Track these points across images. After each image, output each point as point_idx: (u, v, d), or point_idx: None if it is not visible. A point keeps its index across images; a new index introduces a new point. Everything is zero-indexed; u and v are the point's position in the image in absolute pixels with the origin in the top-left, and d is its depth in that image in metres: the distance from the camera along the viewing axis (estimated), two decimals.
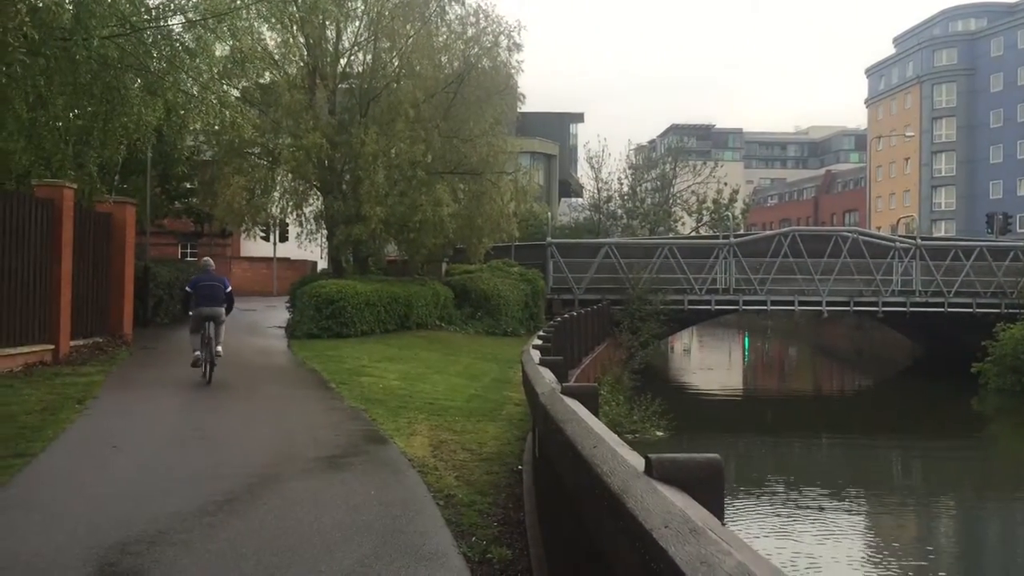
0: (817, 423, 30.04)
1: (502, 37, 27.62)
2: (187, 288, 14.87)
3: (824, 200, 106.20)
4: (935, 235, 67.73)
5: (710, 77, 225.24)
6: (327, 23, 26.56)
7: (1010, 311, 32.95)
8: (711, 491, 2.13)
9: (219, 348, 14.15)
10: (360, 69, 27.77)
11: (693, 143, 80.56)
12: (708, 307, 34.38)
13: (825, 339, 58.48)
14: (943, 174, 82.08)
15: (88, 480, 7.90)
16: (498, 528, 6.78)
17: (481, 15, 27.69)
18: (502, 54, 27.58)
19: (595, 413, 3.87)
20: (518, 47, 27.75)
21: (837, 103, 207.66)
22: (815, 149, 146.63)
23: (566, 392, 4.20)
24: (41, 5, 11.16)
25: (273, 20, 20.79)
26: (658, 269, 33.37)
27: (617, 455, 2.54)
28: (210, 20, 11.83)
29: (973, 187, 79.43)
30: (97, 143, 13.59)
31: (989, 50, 78.76)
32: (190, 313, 14.48)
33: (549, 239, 34.94)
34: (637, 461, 2.41)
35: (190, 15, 12.01)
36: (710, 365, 51.28)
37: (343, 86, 27.93)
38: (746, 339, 67.65)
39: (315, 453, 9.17)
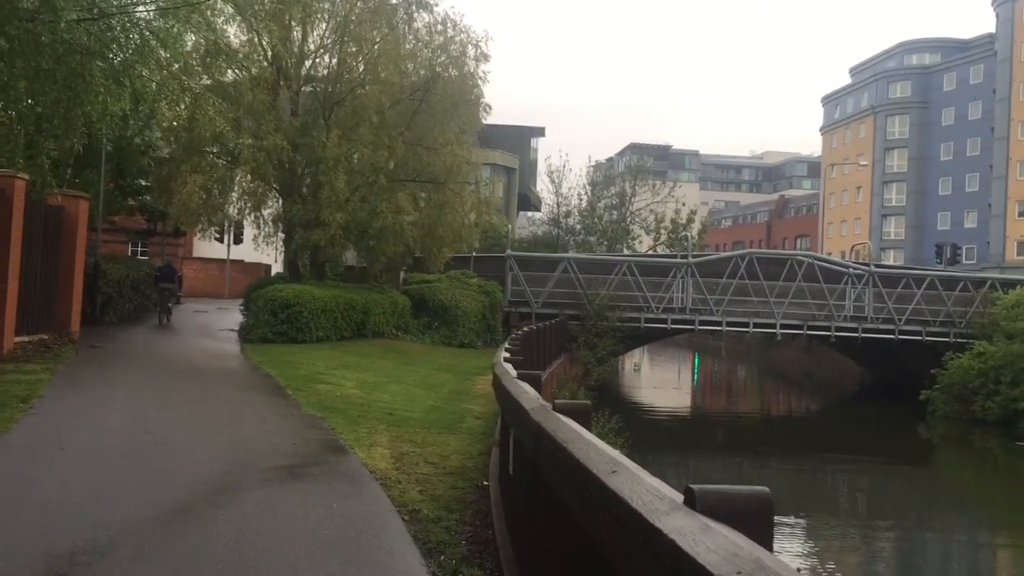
0: (767, 444, 30.21)
1: (470, 47, 27.49)
2: (156, 273, 26.07)
3: (777, 224, 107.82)
4: (884, 263, 68.96)
5: (669, 99, 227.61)
6: (293, 24, 26.20)
7: (959, 340, 33.51)
8: (761, 528, 1.95)
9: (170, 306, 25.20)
10: (325, 72, 27.44)
11: (650, 163, 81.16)
12: (664, 326, 34.43)
13: (775, 361, 59.04)
14: (894, 203, 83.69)
15: (34, 484, 7.50)
16: (467, 547, 6.56)
17: (449, 24, 27.51)
18: (469, 64, 27.42)
19: (588, 430, 3.70)
20: (485, 57, 27.65)
21: (792, 130, 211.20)
22: (769, 174, 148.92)
23: (559, 409, 4.01)
24: None
25: (246, 14, 20.33)
26: (616, 286, 33.36)
27: (643, 482, 2.36)
28: (182, 9, 11.45)
29: (922, 217, 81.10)
30: (59, 131, 13.08)
31: (942, 84, 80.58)
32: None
33: (509, 251, 34.77)
34: (669, 491, 2.23)
35: (162, 3, 11.60)
36: (662, 384, 51.44)
37: (307, 89, 27.57)
38: (696, 359, 68.05)
39: (273, 462, 8.87)
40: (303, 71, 26.95)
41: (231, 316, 26.48)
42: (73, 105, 11.72)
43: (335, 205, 23.75)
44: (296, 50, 26.65)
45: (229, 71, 26.41)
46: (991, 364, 29.74)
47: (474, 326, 29.32)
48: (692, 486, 2.07)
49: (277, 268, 37.18)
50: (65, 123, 12.52)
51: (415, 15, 27.72)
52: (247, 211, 27.48)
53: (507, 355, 9.51)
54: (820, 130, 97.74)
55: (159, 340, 21.30)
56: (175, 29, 11.80)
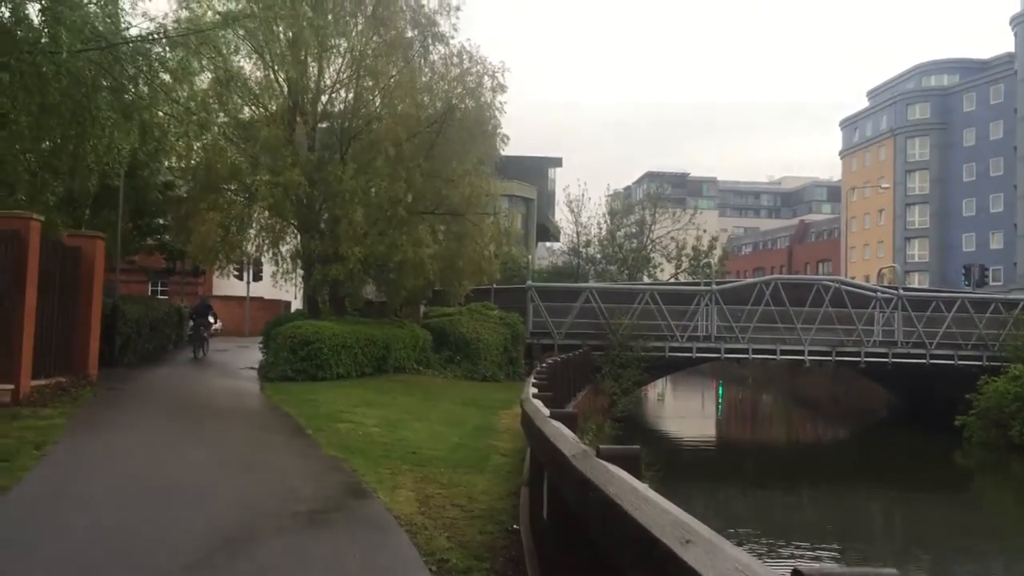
0: (798, 474, 29.51)
1: (486, 78, 27.25)
2: (192, 309, 28.61)
3: (798, 250, 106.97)
4: (910, 286, 68.05)
5: (685, 127, 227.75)
6: (309, 60, 26.16)
7: (992, 364, 32.72)
8: None
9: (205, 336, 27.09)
10: (341, 107, 27.32)
11: (668, 190, 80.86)
12: (689, 355, 33.87)
13: (800, 388, 58.10)
14: (916, 226, 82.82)
15: (43, 539, 7.13)
16: None
17: (465, 56, 27.35)
18: (486, 95, 27.18)
19: (639, 479, 3.30)
20: (502, 88, 27.38)
21: (810, 154, 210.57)
22: (788, 199, 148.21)
23: (605, 456, 3.60)
24: (6, 16, 10.45)
25: (259, 40, 20.19)
26: (639, 315, 32.87)
27: (727, 556, 1.95)
28: (192, 39, 11.21)
29: (946, 239, 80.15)
30: (65, 168, 12.83)
31: (962, 105, 79.97)
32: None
33: (529, 282, 34.40)
34: (763, 570, 1.83)
35: (172, 34, 11.35)
36: (687, 413, 50.71)
37: (323, 125, 27.47)
38: (720, 387, 67.18)
39: (293, 508, 8.47)
40: (319, 106, 26.85)
41: (251, 354, 26.19)
42: (80, 141, 11.44)
43: (353, 239, 23.50)
44: (312, 85, 26.58)
45: (246, 108, 26.42)
46: None
47: (496, 359, 28.89)
48: (801, 568, 1.66)
49: (296, 304, 36.95)
50: (73, 159, 12.26)
51: (431, 48, 27.64)
52: (265, 247, 27.30)
53: (535, 390, 9.09)
54: (839, 154, 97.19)
55: (178, 380, 21.01)
56: (185, 61, 11.55)
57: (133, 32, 12.75)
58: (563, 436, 4.57)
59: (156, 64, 11.60)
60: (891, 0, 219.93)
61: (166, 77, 11.87)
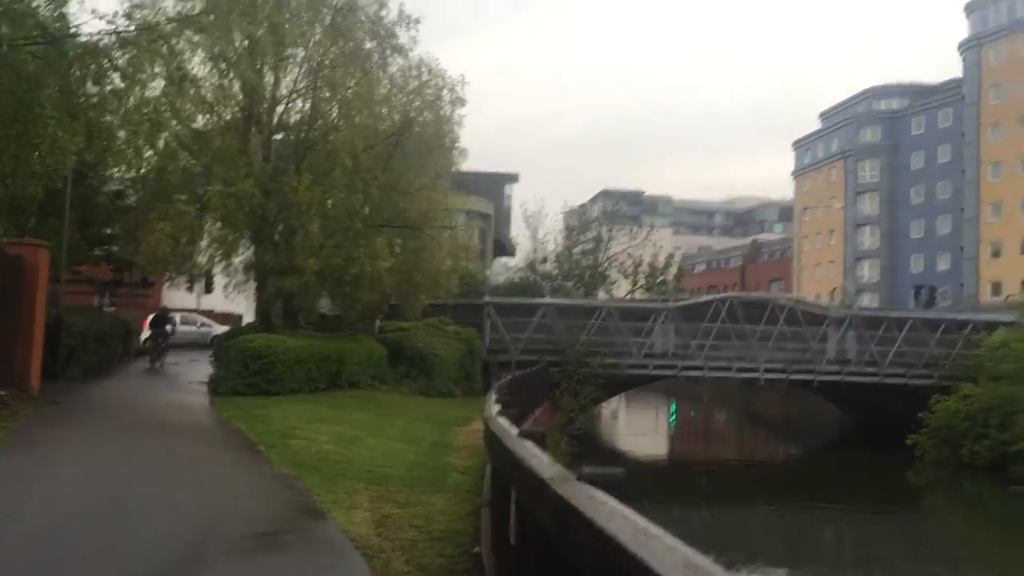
0: (751, 493, 29.52)
1: (445, 91, 27.03)
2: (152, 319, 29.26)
3: (751, 268, 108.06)
4: (859, 306, 69.00)
5: (641, 145, 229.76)
6: (266, 69, 25.74)
7: (942, 383, 33.10)
8: None
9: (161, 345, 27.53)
10: (298, 117, 26.89)
11: (623, 208, 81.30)
12: (646, 371, 33.83)
13: (753, 406, 58.40)
14: (867, 247, 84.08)
15: None
16: None
17: (424, 68, 27.09)
18: (445, 108, 26.97)
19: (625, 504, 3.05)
20: (461, 102, 27.18)
21: (763, 174, 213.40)
22: (741, 219, 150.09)
23: (590, 480, 3.34)
24: None
25: (214, 47, 19.72)
26: (597, 331, 32.76)
27: None
28: (143, 37, 10.74)
29: (895, 260, 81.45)
30: (7, 170, 12.26)
31: (911, 129, 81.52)
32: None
33: (487, 298, 34.15)
34: None
35: (122, 32, 10.90)
36: (641, 431, 50.72)
37: (279, 136, 27.00)
38: (673, 405, 67.34)
39: (243, 529, 8.08)
40: (276, 116, 26.40)
41: (201, 368, 25.55)
42: (23, 139, 10.88)
43: (309, 251, 23.05)
44: (268, 95, 26.14)
45: (199, 116, 25.88)
46: (978, 406, 29.31)
47: (452, 375, 28.54)
48: None
49: (249, 318, 36.27)
50: (15, 160, 11.69)
51: (390, 60, 27.33)
52: (217, 259, 26.70)
53: (498, 407, 8.81)
54: (792, 174, 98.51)
55: (125, 395, 20.36)
56: (136, 60, 11.08)
57: (85, 30, 12.35)
58: (537, 458, 4.30)
59: (105, 63, 11.13)
60: (841, 24, 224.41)
61: (116, 77, 11.38)
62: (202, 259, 27.28)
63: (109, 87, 11.59)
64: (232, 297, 27.85)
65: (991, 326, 35.19)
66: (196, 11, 25.87)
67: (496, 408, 8.49)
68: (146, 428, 15.17)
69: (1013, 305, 38.59)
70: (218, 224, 25.63)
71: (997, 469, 27.68)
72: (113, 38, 11.33)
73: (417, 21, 26.84)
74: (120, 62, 11.13)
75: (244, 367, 20.57)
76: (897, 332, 35.02)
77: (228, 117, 25.63)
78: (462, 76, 26.97)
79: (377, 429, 17.45)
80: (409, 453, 14.78)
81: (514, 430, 5.85)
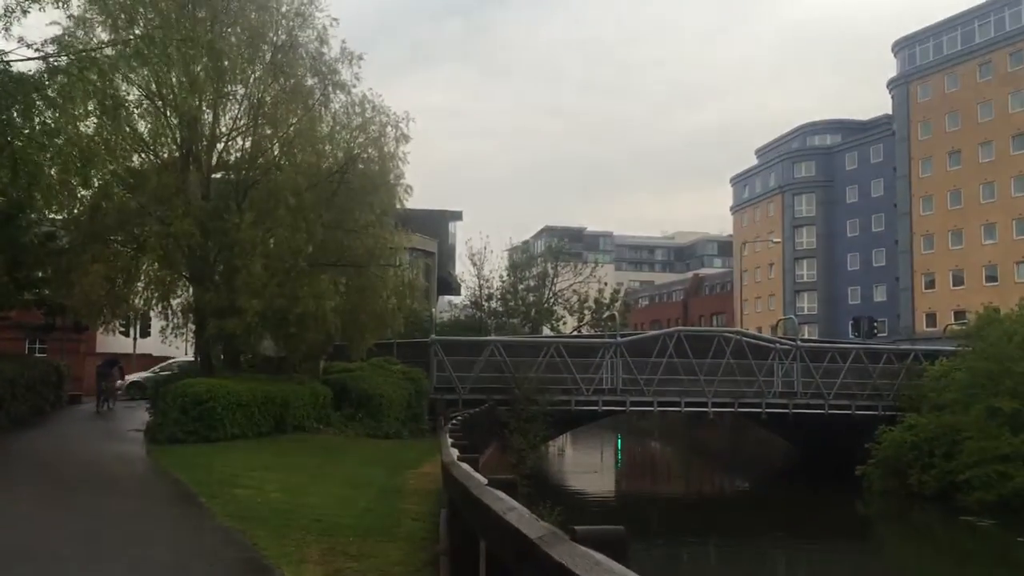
0: (704, 527, 29.30)
1: (389, 128, 26.67)
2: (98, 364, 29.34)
3: (693, 302, 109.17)
4: (800, 337, 69.86)
5: (582, 181, 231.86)
6: (204, 106, 25.19)
7: (887, 413, 33.43)
8: None
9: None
10: (238, 155, 26.33)
11: (566, 244, 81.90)
12: (595, 408, 33.56)
13: (700, 439, 58.50)
14: (805, 279, 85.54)
15: None
16: None
17: (368, 105, 26.71)
18: (389, 144, 26.58)
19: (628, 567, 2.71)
20: (405, 138, 26.78)
21: (703, 209, 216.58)
22: (681, 254, 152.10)
23: (584, 540, 2.98)
24: None
25: (151, 84, 19.12)
26: (545, 368, 32.44)
27: None
28: (74, 65, 10.20)
29: (833, 292, 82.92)
30: None
31: (844, 164, 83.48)
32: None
33: (433, 336, 33.66)
34: None
35: (52, 58, 10.36)
36: (588, 468, 50.33)
37: (217, 176, 26.36)
38: (619, 440, 67.13)
39: None
40: (215, 153, 25.81)
41: (138, 415, 24.61)
42: None
43: (251, 291, 22.39)
44: (208, 132, 25.57)
45: (135, 155, 25.19)
46: (923, 436, 29.58)
47: (399, 415, 27.92)
48: None
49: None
50: None
51: (332, 96, 26.92)
52: (154, 301, 25.82)
53: (455, 451, 8.37)
54: (731, 209, 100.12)
55: (55, 444, 19.42)
56: (67, 88, 10.51)
57: (12, 58, 11.72)
58: (515, 511, 3.92)
59: (34, 94, 10.52)
60: (775, 59, 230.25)
61: (45, 109, 10.75)
62: (138, 301, 26.39)
63: (38, 120, 10.98)
64: (170, 340, 26.93)
65: (931, 356, 35.73)
66: (131, 47, 25.46)
67: (455, 452, 8.07)
68: (77, 480, 14.38)
69: (954, 334, 39.30)
70: (155, 265, 24.86)
71: (945, 498, 27.88)
72: (42, 66, 10.78)
73: (360, 57, 26.62)
74: (50, 91, 10.53)
75: (183, 413, 19.78)
76: (841, 363, 35.34)
77: (165, 155, 24.99)
78: (406, 112, 26.69)
79: (324, 474, 16.84)
80: (359, 499, 14.21)
81: (482, 478, 5.45)
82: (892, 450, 30.13)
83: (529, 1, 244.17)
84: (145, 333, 35.38)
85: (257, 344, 26.63)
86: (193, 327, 25.86)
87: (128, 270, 24.65)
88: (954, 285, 69.10)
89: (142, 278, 25.51)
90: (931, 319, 70.30)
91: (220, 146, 26.10)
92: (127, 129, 24.04)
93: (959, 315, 64.13)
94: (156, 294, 25.51)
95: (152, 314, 28.80)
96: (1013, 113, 65.15)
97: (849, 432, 33.96)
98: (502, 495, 4.54)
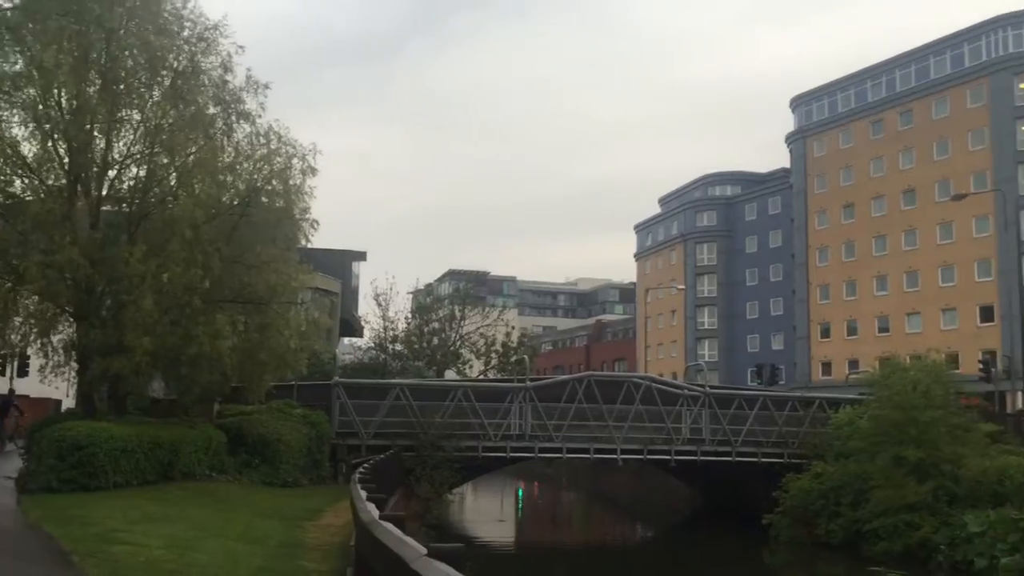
0: None
1: (295, 160, 25.57)
2: None
3: (595, 348, 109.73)
4: (699, 384, 70.48)
5: (486, 226, 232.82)
6: (96, 131, 23.70)
7: (793, 460, 33.49)
8: None
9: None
10: (131, 183, 24.79)
11: (471, 288, 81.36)
12: (503, 454, 32.61)
13: (604, 486, 57.96)
14: (706, 326, 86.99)
15: None
16: None
17: (273, 135, 25.57)
18: (295, 177, 25.42)
19: None
20: (312, 171, 25.69)
21: (606, 256, 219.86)
22: (584, 300, 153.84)
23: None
24: None
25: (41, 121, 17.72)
26: (452, 413, 31.42)
27: None
28: None
29: (733, 340, 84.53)
30: None
31: (744, 214, 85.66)
32: None
33: (336, 378, 32.29)
34: None
35: None
36: (492, 515, 49.19)
37: (106, 208, 24.71)
38: (520, 489, 66.14)
39: None
40: (106, 181, 24.24)
41: (10, 463, 22.60)
42: None
43: (141, 328, 20.83)
44: (99, 159, 24.01)
45: (17, 180, 23.48)
46: (829, 485, 29.60)
47: (299, 462, 26.47)
48: None
49: (69, 403, 33.01)
50: None
51: (236, 126, 25.71)
52: (32, 338, 23.88)
53: (372, 506, 7.38)
54: (634, 256, 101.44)
55: None
56: None
57: None
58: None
59: None
60: (676, 110, 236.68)
61: None
62: (15, 337, 24.38)
63: None
64: (49, 380, 24.96)
65: (835, 403, 36.11)
66: (17, 67, 23.82)
67: (371, 508, 7.08)
68: None
69: (858, 382, 39.87)
70: (35, 298, 23.03)
71: (852, 548, 27.79)
72: None
73: (266, 87, 25.55)
74: None
75: (60, 459, 18.04)
76: (747, 410, 35.37)
77: (51, 181, 23.32)
78: (313, 144, 25.65)
79: (216, 528, 15.46)
80: (255, 556, 12.97)
81: (420, 548, 4.53)
82: (799, 498, 30.05)
83: (432, 48, 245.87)
84: (22, 372, 33.05)
85: (146, 385, 24.91)
86: (76, 366, 24.02)
87: (4, 303, 22.72)
88: (848, 335, 71.06)
89: (20, 312, 23.61)
90: (827, 367, 72.05)
91: (112, 173, 24.54)
92: (8, 151, 22.49)
93: (853, 364, 65.91)
94: (35, 329, 23.61)
95: (30, 351, 26.69)
96: (903, 170, 67.88)
97: (755, 480, 33.86)
98: (447, 568, 3.65)
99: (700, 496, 45.12)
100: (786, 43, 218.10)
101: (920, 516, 25.84)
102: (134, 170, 24.85)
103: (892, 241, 68.10)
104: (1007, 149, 60.55)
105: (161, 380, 25.46)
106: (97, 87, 23.83)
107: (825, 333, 73.29)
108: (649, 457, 34.64)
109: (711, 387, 36.99)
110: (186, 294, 22.08)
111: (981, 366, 43.36)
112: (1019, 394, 43.25)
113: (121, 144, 24.71)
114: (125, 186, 24.82)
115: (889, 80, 70.14)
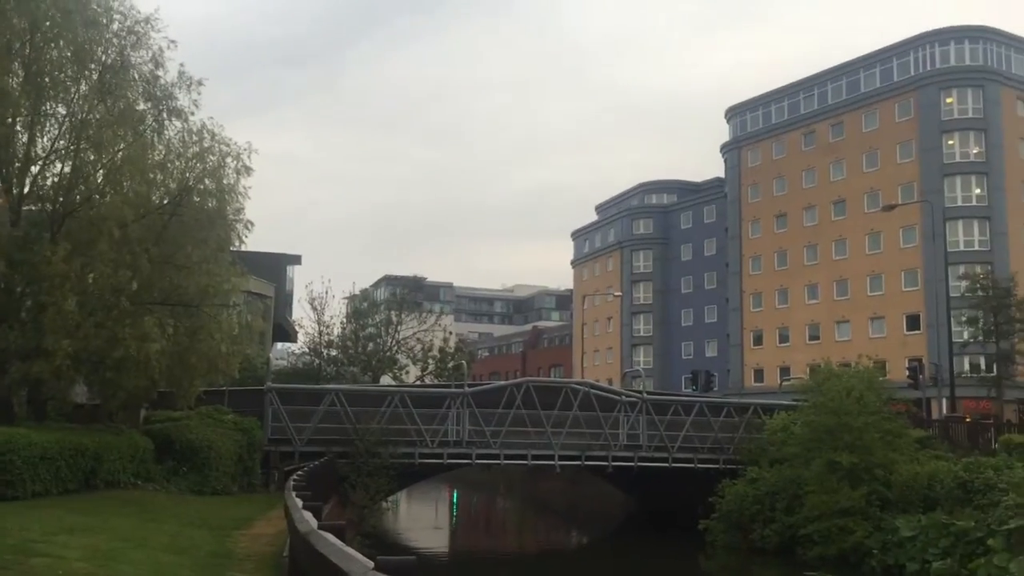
0: None
1: (229, 159, 24.83)
2: None
3: (532, 354, 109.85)
4: (636, 390, 70.94)
5: (423, 231, 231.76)
6: (17, 125, 22.75)
7: (728, 466, 33.69)
8: None
9: None
10: (55, 180, 23.82)
11: (407, 293, 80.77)
12: (440, 461, 32.12)
13: (539, 492, 57.83)
14: (642, 333, 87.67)
15: None
16: None
17: (207, 133, 24.84)
18: (229, 176, 24.71)
19: None
20: (247, 171, 25.02)
21: (543, 263, 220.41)
22: (520, 306, 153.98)
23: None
24: None
25: None
26: (388, 419, 30.85)
27: None
28: None
29: (667, 346, 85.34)
30: None
31: (679, 223, 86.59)
32: None
33: (269, 384, 31.51)
34: None
35: None
36: (427, 523, 48.66)
37: (28, 207, 23.68)
38: (455, 494, 65.66)
39: None
40: (28, 177, 23.25)
41: None
42: None
43: (63, 331, 19.96)
44: (21, 154, 23.03)
45: None
46: (764, 490, 29.82)
47: (229, 469, 25.73)
48: None
49: None
50: None
51: (167, 123, 24.89)
52: None
53: (309, 514, 6.99)
54: (571, 263, 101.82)
55: None
56: None
57: None
58: None
59: None
60: (615, 118, 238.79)
61: None
62: None
63: None
64: None
65: (769, 410, 36.47)
66: None
67: (310, 518, 6.69)
68: None
69: (794, 388, 40.35)
70: None
71: (787, 553, 28.03)
72: None
73: (200, 83, 24.74)
74: None
75: None
76: (684, 416, 35.48)
77: None
78: (248, 143, 24.95)
79: (141, 538, 14.78)
80: (183, 568, 12.40)
81: (367, 561, 4.19)
82: (734, 504, 30.22)
83: (369, 54, 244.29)
84: None
85: (68, 390, 23.94)
86: None
87: None
88: (780, 342, 72.26)
89: None
90: (759, 374, 73.13)
91: (35, 169, 23.57)
92: None
93: (784, 371, 66.97)
94: None
95: None
96: (834, 181, 69.31)
97: (691, 485, 33.98)
98: None
99: (636, 502, 45.25)
100: (724, 54, 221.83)
101: (853, 521, 26.13)
102: (59, 166, 23.88)
103: (823, 250, 69.46)
104: (934, 161, 62.23)
105: (84, 384, 24.50)
106: (20, 79, 22.90)
107: (758, 340, 74.42)
108: (587, 463, 34.51)
109: (648, 393, 36.95)
110: (113, 295, 21.28)
111: (909, 373, 44.29)
112: (944, 400, 44.28)
113: (45, 139, 23.77)
114: (49, 183, 23.84)
115: (821, 93, 71.60)
